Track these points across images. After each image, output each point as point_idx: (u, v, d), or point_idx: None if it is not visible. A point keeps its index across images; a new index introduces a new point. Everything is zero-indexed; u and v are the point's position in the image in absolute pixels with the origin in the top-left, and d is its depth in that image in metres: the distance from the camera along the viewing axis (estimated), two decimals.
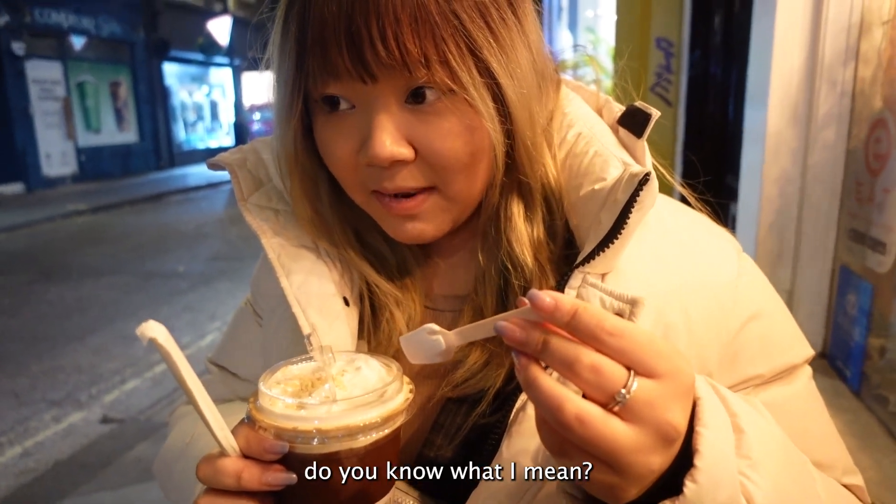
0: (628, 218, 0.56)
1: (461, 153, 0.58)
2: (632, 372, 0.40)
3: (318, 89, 0.58)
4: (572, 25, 6.65)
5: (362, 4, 0.53)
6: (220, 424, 0.50)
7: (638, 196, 0.56)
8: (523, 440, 0.56)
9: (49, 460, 3.17)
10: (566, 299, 0.40)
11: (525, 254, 0.63)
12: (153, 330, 0.45)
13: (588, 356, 0.40)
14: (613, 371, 0.39)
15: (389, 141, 0.56)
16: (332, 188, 0.67)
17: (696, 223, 0.67)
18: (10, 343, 4.74)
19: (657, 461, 0.41)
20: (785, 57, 2.04)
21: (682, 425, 0.41)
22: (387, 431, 0.51)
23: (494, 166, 0.61)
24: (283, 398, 0.51)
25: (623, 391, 0.39)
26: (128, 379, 4.10)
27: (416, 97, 0.57)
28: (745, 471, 0.44)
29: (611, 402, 0.39)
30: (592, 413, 0.39)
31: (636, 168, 0.57)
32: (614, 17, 4.08)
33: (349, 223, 0.69)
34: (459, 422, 0.63)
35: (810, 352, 0.67)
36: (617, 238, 0.57)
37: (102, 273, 6.67)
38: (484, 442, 0.61)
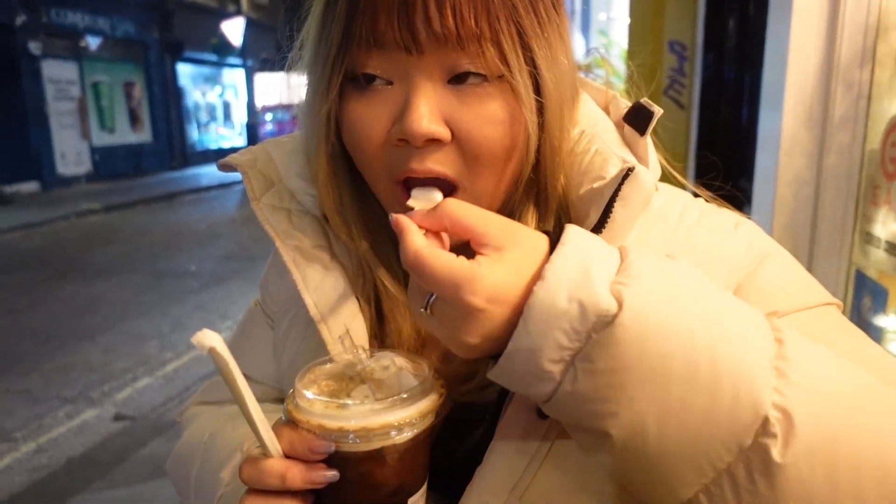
0: (612, 211, 0.57)
1: (497, 143, 0.57)
2: (432, 295, 0.49)
3: (360, 60, 0.56)
4: (585, 28, 6.63)
5: None
6: (265, 427, 0.51)
7: (620, 190, 0.56)
8: (512, 428, 0.57)
9: (62, 457, 3.20)
10: (402, 223, 0.50)
11: None
12: (211, 339, 0.46)
13: (412, 280, 0.51)
14: (418, 295, 0.50)
15: (427, 117, 0.55)
16: (352, 181, 0.66)
17: (699, 208, 0.66)
18: (24, 341, 4.79)
19: (461, 352, 0.50)
20: (800, 59, 2.02)
21: (471, 340, 0.47)
22: (425, 426, 0.53)
23: (522, 167, 0.61)
24: (324, 398, 0.52)
25: (421, 310, 0.50)
26: (140, 377, 4.13)
27: (458, 78, 0.56)
28: (621, 279, 0.46)
29: (422, 312, 0.50)
30: (413, 310, 0.52)
31: (629, 164, 0.58)
32: (627, 20, 4.06)
33: (363, 219, 0.68)
34: (467, 418, 0.63)
35: (833, 299, 0.63)
36: (601, 231, 0.57)
37: (115, 272, 6.72)
38: (481, 432, 0.61)
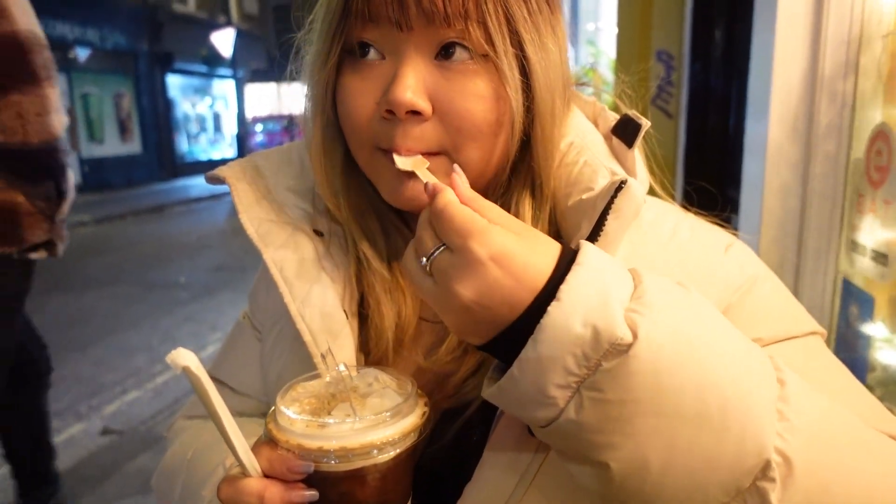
0: (605, 223, 0.57)
1: (479, 117, 0.59)
2: (440, 245, 0.49)
3: (357, 33, 0.59)
4: (574, 38, 6.68)
5: None
6: (243, 447, 0.51)
7: (613, 203, 0.57)
8: (504, 441, 0.57)
9: None
10: (438, 186, 0.50)
11: None
12: (185, 358, 0.46)
13: (419, 231, 0.51)
14: (424, 244, 0.50)
15: (412, 89, 0.57)
16: (343, 155, 0.67)
17: (690, 225, 0.67)
18: None
19: (450, 319, 0.49)
20: (785, 69, 2.05)
21: (465, 296, 0.46)
22: (407, 445, 0.52)
23: (509, 146, 0.62)
24: (305, 417, 0.51)
25: (423, 259, 0.50)
26: (128, 390, 4.09)
27: (445, 54, 0.58)
28: (635, 306, 0.45)
29: (423, 262, 0.50)
30: (411, 267, 0.51)
31: (621, 177, 0.58)
32: (615, 31, 4.09)
33: (350, 193, 0.69)
34: (452, 433, 0.63)
35: (819, 328, 0.64)
36: (594, 244, 0.57)
37: (104, 283, 6.67)
38: (467, 451, 0.61)
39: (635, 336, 0.43)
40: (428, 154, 0.60)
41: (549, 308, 0.44)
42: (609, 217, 0.57)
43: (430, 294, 0.50)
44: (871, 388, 1.91)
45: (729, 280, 0.62)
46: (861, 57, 1.92)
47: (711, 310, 0.49)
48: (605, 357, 0.43)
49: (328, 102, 0.64)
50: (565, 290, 0.44)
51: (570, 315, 0.43)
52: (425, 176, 0.56)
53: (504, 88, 0.59)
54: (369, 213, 0.70)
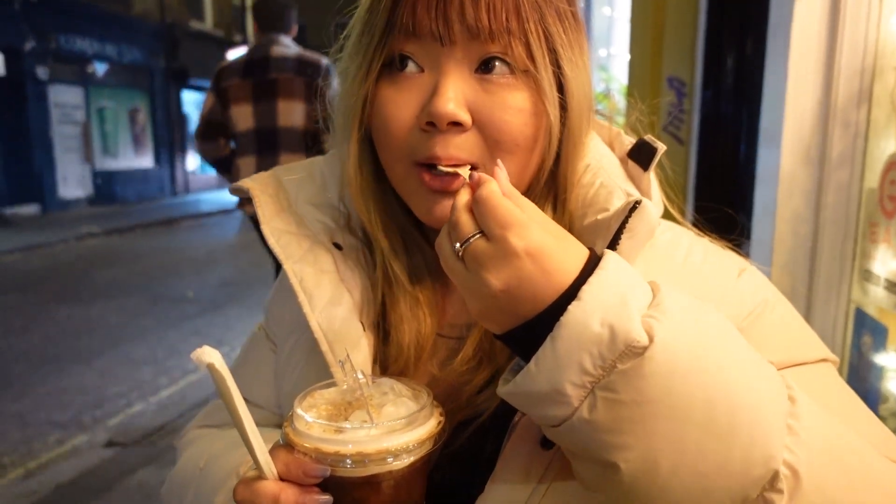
0: (619, 243, 0.58)
1: (517, 130, 0.60)
2: (477, 232, 0.50)
3: (399, 46, 0.61)
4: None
5: None
6: (262, 449, 0.51)
7: (627, 222, 0.58)
8: (516, 458, 0.57)
9: (51, 483, 3.14)
10: (485, 177, 0.51)
11: None
12: (210, 356, 0.47)
13: (455, 215, 0.51)
14: (461, 229, 0.50)
15: (454, 101, 0.58)
16: (375, 170, 0.69)
17: (703, 249, 0.68)
18: (18, 363, 4.74)
19: (474, 304, 0.50)
20: (798, 98, 2.05)
21: (494, 285, 0.48)
22: (422, 453, 0.52)
23: (544, 160, 0.63)
24: (322, 422, 0.52)
25: (458, 245, 0.50)
26: (133, 402, 4.08)
27: (486, 68, 0.59)
28: (652, 313, 0.46)
29: (457, 247, 0.51)
30: (444, 249, 0.52)
31: (636, 197, 0.60)
32: (627, 57, 4.13)
33: (381, 207, 0.70)
34: (466, 446, 0.63)
35: (831, 355, 0.64)
36: None
37: (112, 296, 6.70)
38: (480, 463, 0.61)
39: (651, 339, 0.44)
40: (463, 167, 0.61)
41: (570, 307, 0.45)
42: (623, 236, 0.58)
43: (460, 277, 0.51)
44: (883, 419, 1.89)
45: (742, 304, 0.62)
46: (874, 86, 1.92)
47: (726, 322, 0.50)
48: (621, 358, 0.44)
49: (365, 116, 0.65)
50: (587, 290, 0.46)
51: (589, 314, 0.45)
52: (465, 173, 0.58)
53: (542, 103, 0.60)
54: (393, 230, 0.71)
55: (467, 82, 0.59)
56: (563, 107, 0.62)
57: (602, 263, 0.48)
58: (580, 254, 0.50)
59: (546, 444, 0.56)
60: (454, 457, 0.63)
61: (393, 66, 0.62)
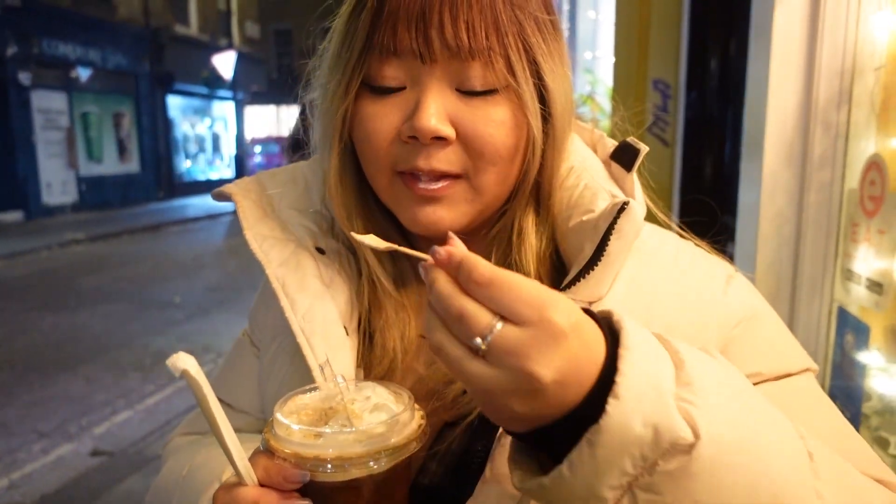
0: (608, 244, 0.58)
1: (500, 142, 0.60)
2: (497, 319, 0.41)
3: (378, 67, 0.61)
4: (571, 66, 6.77)
5: None
6: (240, 454, 0.51)
7: (616, 224, 0.58)
8: (505, 465, 0.56)
9: (36, 493, 3.11)
10: (456, 251, 0.42)
11: (531, 266, 0.66)
12: (184, 362, 0.46)
13: (455, 305, 0.41)
14: (477, 320, 0.41)
15: (436, 116, 0.59)
16: (358, 181, 0.69)
17: (691, 253, 0.68)
18: (1, 372, 4.69)
19: (519, 407, 0.42)
20: (780, 99, 2.08)
21: (545, 376, 0.40)
22: (403, 457, 0.52)
23: (526, 169, 0.63)
24: (302, 427, 0.52)
25: (478, 340, 0.41)
26: (119, 410, 4.05)
27: (466, 85, 0.59)
28: (685, 395, 0.42)
29: (472, 346, 0.41)
30: (450, 351, 0.42)
31: (623, 199, 0.60)
32: (612, 59, 4.15)
33: (364, 217, 0.70)
34: (454, 448, 0.63)
35: (813, 364, 0.65)
36: (598, 264, 0.59)
37: (98, 302, 6.64)
38: (469, 466, 0.61)
39: (697, 435, 0.41)
40: (448, 177, 0.62)
41: (609, 408, 0.40)
42: (611, 238, 0.59)
43: (484, 380, 0.41)
44: (867, 418, 1.91)
45: (732, 313, 0.63)
46: (854, 88, 1.95)
47: (748, 384, 0.48)
48: (664, 457, 0.41)
49: (346, 130, 0.65)
50: (623, 384, 0.41)
51: (630, 415, 0.40)
52: (379, 244, 0.53)
53: (523, 115, 0.61)
54: (380, 233, 0.70)
55: (449, 97, 0.60)
56: (546, 116, 0.62)
57: (624, 342, 0.42)
58: (597, 335, 0.43)
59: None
60: (441, 459, 0.63)
61: (373, 82, 0.62)
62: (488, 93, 0.59)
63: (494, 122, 0.60)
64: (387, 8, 0.59)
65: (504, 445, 0.57)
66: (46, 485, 3.18)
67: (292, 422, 0.53)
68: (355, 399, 0.56)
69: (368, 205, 0.70)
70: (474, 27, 0.57)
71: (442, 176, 0.61)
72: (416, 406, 0.56)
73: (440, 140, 0.60)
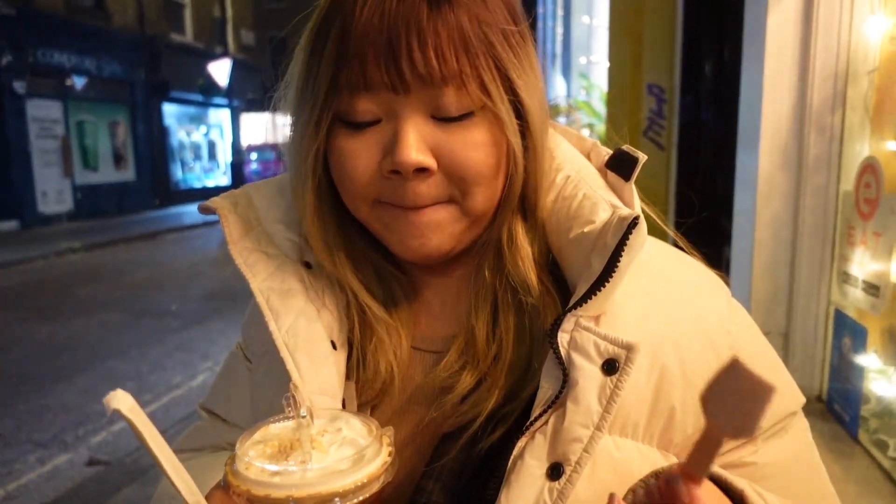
0: (619, 261, 0.56)
1: (482, 164, 0.60)
2: None
3: (349, 103, 0.59)
4: (566, 71, 6.79)
5: (404, 19, 0.55)
6: (190, 490, 0.49)
7: (627, 240, 0.56)
8: (522, 489, 0.55)
9: None
10: None
11: (529, 272, 0.64)
12: (118, 401, 0.45)
13: None
14: None
15: (415, 148, 0.57)
16: (337, 212, 0.67)
17: (687, 265, 0.68)
18: None
19: None
20: (774, 103, 2.08)
21: None
22: (364, 497, 0.49)
23: (511, 183, 0.63)
24: (257, 463, 0.49)
25: None
26: (116, 420, 4.02)
27: (442, 112, 0.58)
28: None
29: None
30: None
31: (625, 211, 0.58)
32: (607, 64, 4.16)
33: (346, 248, 0.68)
34: (453, 465, 0.62)
35: (802, 399, 0.68)
36: (608, 281, 0.57)
37: (94, 311, 6.61)
38: (482, 491, 0.59)
39: None
40: (438, 203, 0.61)
41: None
42: (623, 254, 0.57)
43: None
44: (865, 420, 1.91)
45: (732, 347, 0.62)
46: (848, 91, 1.95)
47: None
48: None
49: (319, 166, 0.64)
50: None
51: None
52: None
53: (501, 133, 0.60)
54: (364, 263, 0.69)
55: (426, 126, 0.59)
56: (523, 131, 0.61)
57: None
58: None
59: (554, 474, 0.55)
60: (439, 476, 0.62)
61: (347, 117, 0.60)
62: (464, 116, 0.58)
63: (473, 145, 0.59)
64: (352, 43, 0.57)
65: (518, 470, 0.56)
66: (43, 495, 3.16)
67: (255, 454, 0.50)
68: (326, 430, 0.53)
69: (350, 236, 0.68)
70: (444, 53, 0.56)
71: (433, 203, 0.60)
72: (385, 438, 0.53)
73: (423, 171, 0.59)
